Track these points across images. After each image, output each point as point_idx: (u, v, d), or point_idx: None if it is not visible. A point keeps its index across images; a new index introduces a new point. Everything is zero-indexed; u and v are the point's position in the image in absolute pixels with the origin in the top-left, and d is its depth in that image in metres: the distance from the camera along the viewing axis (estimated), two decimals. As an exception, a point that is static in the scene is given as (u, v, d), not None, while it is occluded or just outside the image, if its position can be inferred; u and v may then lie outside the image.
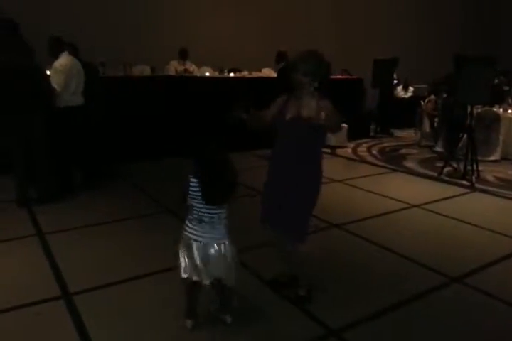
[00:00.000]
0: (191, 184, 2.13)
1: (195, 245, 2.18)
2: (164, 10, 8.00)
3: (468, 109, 5.56)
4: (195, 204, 2.16)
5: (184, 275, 2.22)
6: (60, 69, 4.35)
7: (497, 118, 6.63)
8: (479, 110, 6.52)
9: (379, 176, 5.76)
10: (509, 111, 6.90)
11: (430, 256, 3.28)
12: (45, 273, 2.92)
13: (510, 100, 7.47)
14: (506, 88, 7.73)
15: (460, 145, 6.10)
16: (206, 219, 2.17)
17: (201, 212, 2.16)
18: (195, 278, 2.20)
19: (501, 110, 6.84)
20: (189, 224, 2.22)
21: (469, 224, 3.99)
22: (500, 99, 6.99)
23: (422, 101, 8.10)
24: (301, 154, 2.38)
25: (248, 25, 8.79)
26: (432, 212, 4.30)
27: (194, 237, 2.19)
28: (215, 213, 2.18)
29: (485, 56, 5.45)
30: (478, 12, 12.29)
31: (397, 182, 5.52)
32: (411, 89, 9.96)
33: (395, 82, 9.39)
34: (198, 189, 2.11)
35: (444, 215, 4.19)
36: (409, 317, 2.53)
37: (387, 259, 3.28)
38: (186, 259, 2.20)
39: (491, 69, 5.27)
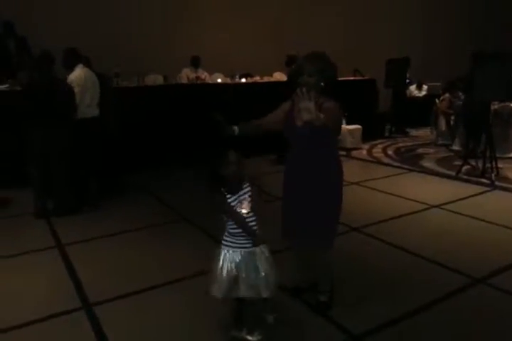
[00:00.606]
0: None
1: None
2: (174, 18, 8.08)
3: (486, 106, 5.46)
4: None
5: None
6: (76, 82, 4.39)
7: (515, 113, 6.50)
8: (496, 106, 6.39)
9: (396, 177, 5.68)
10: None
11: (453, 257, 3.21)
12: (65, 284, 2.94)
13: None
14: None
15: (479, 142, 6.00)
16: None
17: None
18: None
19: (519, 105, 6.70)
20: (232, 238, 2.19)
21: (491, 223, 3.90)
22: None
23: (436, 100, 8.00)
24: (315, 159, 2.35)
25: (258, 29, 8.81)
26: (453, 212, 4.22)
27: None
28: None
29: (501, 52, 5.35)
30: (490, 9, 12.09)
31: (415, 182, 5.44)
32: (425, 87, 9.84)
33: (408, 81, 9.28)
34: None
35: (465, 215, 4.11)
36: (434, 320, 2.47)
37: (408, 262, 3.22)
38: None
39: (508, 65, 5.16)
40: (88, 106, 4.52)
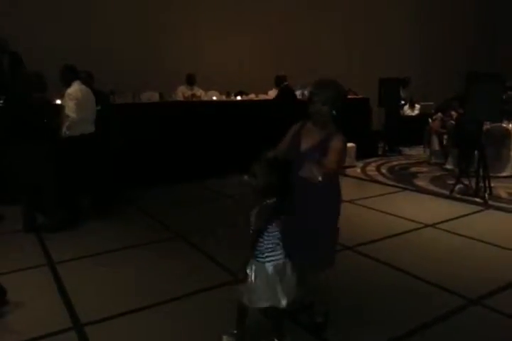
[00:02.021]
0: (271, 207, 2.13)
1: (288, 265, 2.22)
2: (170, 36, 8.18)
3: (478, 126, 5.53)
4: (273, 229, 2.16)
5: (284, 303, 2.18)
6: (71, 97, 4.43)
7: (507, 133, 6.59)
8: (489, 126, 6.48)
9: (390, 195, 5.70)
10: (518, 126, 6.87)
11: (447, 277, 3.20)
12: (56, 303, 2.89)
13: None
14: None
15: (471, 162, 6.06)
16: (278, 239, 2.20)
17: (276, 232, 2.18)
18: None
19: (511, 126, 6.80)
20: (274, 252, 2.18)
21: (485, 242, 3.91)
22: (509, 115, 6.95)
23: (429, 119, 8.09)
24: (315, 188, 2.27)
25: (253, 48, 8.94)
26: (447, 231, 4.22)
27: (281, 260, 2.20)
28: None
29: (495, 73, 5.47)
30: (484, 31, 12.39)
31: (409, 201, 5.46)
32: (417, 106, 9.97)
33: (403, 102, 9.44)
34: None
35: (458, 234, 4.12)
36: (429, 342, 2.45)
37: (402, 281, 3.20)
38: (280, 287, 2.18)
39: (501, 85, 5.27)
40: (85, 122, 4.54)
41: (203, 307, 2.82)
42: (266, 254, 2.17)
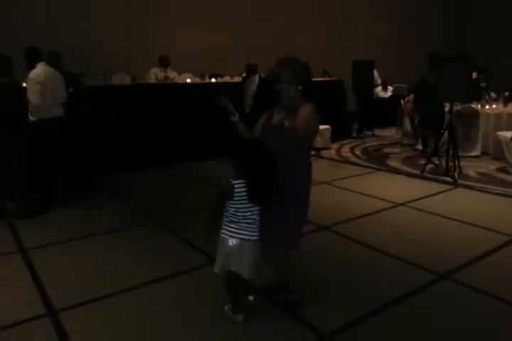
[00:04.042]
0: (236, 186, 2.21)
1: (248, 245, 2.29)
2: (143, 17, 7.94)
3: (448, 107, 5.63)
4: (239, 205, 2.24)
5: (245, 276, 2.32)
6: (35, 80, 4.21)
7: (476, 114, 6.73)
8: (459, 107, 6.61)
9: (364, 176, 5.79)
10: (487, 107, 7.02)
11: (418, 254, 3.30)
12: (29, 290, 2.85)
13: (487, 96, 7.60)
14: (484, 85, 7.86)
15: (441, 142, 6.19)
16: (252, 219, 2.29)
17: (246, 212, 2.27)
18: (250, 277, 2.33)
19: (480, 106, 6.96)
20: (234, 226, 2.29)
21: (454, 220, 4.03)
22: (478, 96, 7.10)
23: (402, 101, 8.19)
24: (288, 161, 2.30)
25: (229, 30, 8.78)
26: (418, 209, 4.33)
27: (246, 237, 2.29)
28: (256, 211, 2.31)
29: (461, 54, 5.54)
30: (457, 11, 12.51)
31: (382, 181, 5.56)
32: (390, 88, 10.07)
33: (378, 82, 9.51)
34: (243, 189, 2.21)
35: (429, 212, 4.23)
36: (400, 317, 2.53)
37: (375, 259, 3.28)
38: (238, 260, 2.29)
39: (468, 66, 5.35)
40: (51, 105, 4.35)
41: (180, 291, 2.83)
42: (228, 227, 2.30)
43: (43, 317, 2.54)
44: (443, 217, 4.11)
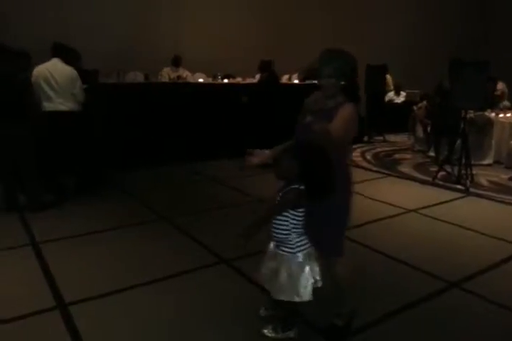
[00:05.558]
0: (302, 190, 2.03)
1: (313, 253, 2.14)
2: (156, 16, 7.99)
3: (462, 114, 5.59)
4: (296, 213, 2.09)
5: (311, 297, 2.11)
6: (33, 74, 4.40)
7: (490, 122, 6.69)
8: (472, 115, 6.56)
9: (374, 181, 5.76)
10: (501, 115, 6.97)
11: (428, 261, 3.27)
12: (39, 283, 2.87)
13: (501, 105, 7.55)
14: (497, 93, 7.80)
15: (453, 150, 6.15)
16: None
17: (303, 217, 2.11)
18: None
19: (493, 114, 6.91)
20: (300, 237, 2.12)
21: (465, 228, 3.99)
22: (492, 104, 7.05)
23: (414, 107, 8.15)
24: None
25: (241, 30, 8.81)
26: (428, 216, 4.30)
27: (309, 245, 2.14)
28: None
29: (479, 61, 5.48)
30: (474, 16, 12.39)
31: (393, 187, 5.53)
32: (403, 94, 10.02)
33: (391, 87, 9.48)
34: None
35: (440, 220, 4.20)
36: (410, 324, 2.51)
37: (385, 265, 3.26)
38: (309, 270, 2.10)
39: (485, 73, 5.30)
40: (47, 99, 4.40)
41: (188, 289, 2.84)
42: (295, 240, 2.09)
43: (52, 310, 2.55)
44: (454, 224, 4.08)
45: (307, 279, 2.09)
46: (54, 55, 4.50)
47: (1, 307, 2.58)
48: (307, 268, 2.10)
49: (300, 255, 2.10)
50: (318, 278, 2.13)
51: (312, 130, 2.01)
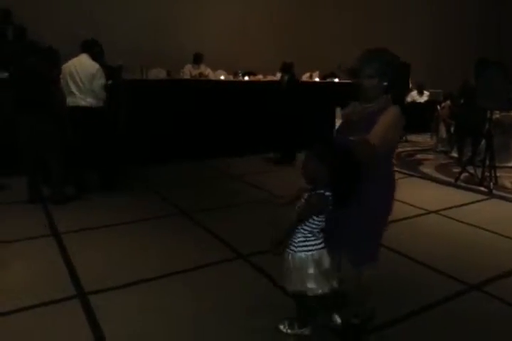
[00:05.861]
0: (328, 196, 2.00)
1: (325, 254, 2.12)
2: (180, 13, 8.06)
3: (488, 115, 5.47)
4: (319, 217, 2.06)
5: (324, 290, 2.09)
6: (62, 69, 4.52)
7: (516, 123, 6.53)
8: (497, 116, 6.42)
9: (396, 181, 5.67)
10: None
11: (449, 263, 3.22)
12: (60, 272, 2.93)
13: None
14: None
15: (477, 151, 6.02)
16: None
17: (322, 222, 2.09)
18: (335, 285, 2.13)
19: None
20: (315, 240, 2.10)
21: (487, 230, 3.91)
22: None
23: (438, 106, 8.02)
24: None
25: (262, 29, 8.81)
26: (450, 218, 4.23)
27: (321, 247, 2.12)
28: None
29: (504, 61, 5.36)
30: (495, 14, 12.12)
31: (414, 187, 5.44)
32: (426, 93, 9.86)
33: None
34: (331, 199, 2.00)
35: (462, 222, 4.12)
36: (427, 325, 2.47)
37: (405, 266, 3.22)
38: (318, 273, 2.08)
39: (508, 73, 5.17)
40: (68, 94, 4.47)
41: (205, 283, 2.85)
42: (303, 243, 2.08)
43: (72, 299, 2.60)
44: (476, 227, 4.00)
45: (311, 270, 2.08)
46: (83, 51, 4.57)
47: (22, 295, 2.64)
48: (311, 265, 2.08)
49: (302, 255, 2.09)
50: (332, 280, 2.12)
51: (350, 142, 1.97)
